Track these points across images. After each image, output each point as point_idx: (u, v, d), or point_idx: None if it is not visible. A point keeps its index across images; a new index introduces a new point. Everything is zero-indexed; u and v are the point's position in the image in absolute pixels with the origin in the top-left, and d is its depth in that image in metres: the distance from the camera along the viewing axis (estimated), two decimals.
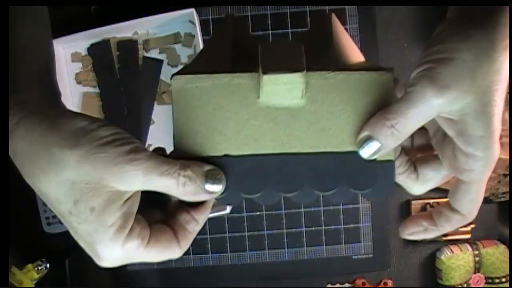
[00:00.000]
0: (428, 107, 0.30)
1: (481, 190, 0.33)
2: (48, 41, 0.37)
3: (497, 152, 0.33)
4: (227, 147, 0.33)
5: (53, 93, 0.36)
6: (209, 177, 0.32)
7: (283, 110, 0.33)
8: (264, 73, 0.31)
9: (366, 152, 0.32)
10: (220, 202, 0.34)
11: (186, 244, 0.34)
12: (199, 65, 0.37)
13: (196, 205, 0.34)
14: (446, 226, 0.35)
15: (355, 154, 0.33)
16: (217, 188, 0.32)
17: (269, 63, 0.32)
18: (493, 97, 0.30)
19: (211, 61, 0.36)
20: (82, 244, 0.32)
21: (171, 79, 0.33)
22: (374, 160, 0.33)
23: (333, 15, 0.39)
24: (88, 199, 0.29)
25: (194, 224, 0.34)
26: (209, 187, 0.32)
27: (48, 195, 0.30)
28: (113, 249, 0.30)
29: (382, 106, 0.32)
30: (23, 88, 0.32)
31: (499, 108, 0.30)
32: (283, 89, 0.32)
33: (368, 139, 0.32)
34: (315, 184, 0.33)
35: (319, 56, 0.35)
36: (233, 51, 0.35)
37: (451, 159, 0.33)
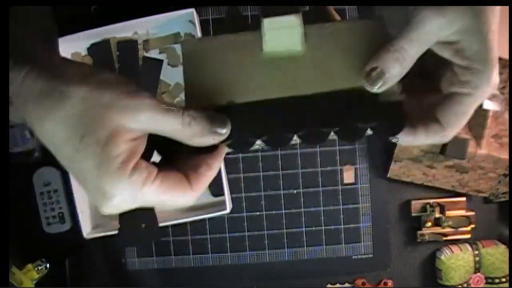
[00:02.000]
0: (428, 29, 0.32)
1: (472, 106, 0.35)
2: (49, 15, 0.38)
3: (495, 72, 0.35)
4: (234, 97, 0.34)
5: (56, 50, 0.37)
6: (214, 119, 0.32)
7: (285, 59, 0.35)
8: (265, 17, 0.34)
9: (373, 82, 0.33)
10: (230, 148, 0.34)
11: (198, 186, 0.33)
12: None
13: (209, 150, 0.33)
14: (422, 134, 0.36)
15: (360, 91, 0.33)
16: (223, 130, 0.32)
17: (269, 11, 0.34)
18: (487, 17, 0.32)
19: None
20: (88, 186, 0.31)
21: (181, 45, 0.35)
22: (380, 96, 0.34)
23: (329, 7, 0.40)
24: (95, 131, 0.29)
25: (206, 168, 0.33)
26: (215, 127, 0.32)
27: (55, 137, 0.30)
28: (120, 181, 0.30)
29: (378, 48, 0.33)
30: (29, 45, 0.32)
31: (495, 26, 0.33)
32: (283, 34, 0.34)
33: (374, 69, 0.33)
34: (322, 121, 0.33)
35: (316, 20, 0.37)
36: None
37: (450, 77, 0.34)
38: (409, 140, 0.36)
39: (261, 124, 0.34)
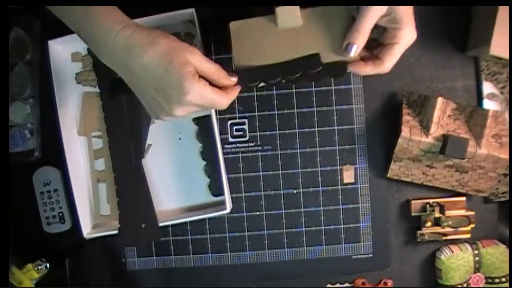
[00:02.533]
0: (374, 11, 0.54)
1: (400, 50, 0.57)
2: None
3: (411, 29, 0.56)
4: (258, 59, 0.59)
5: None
6: (230, 75, 0.55)
7: (290, 30, 0.58)
8: (279, 26, 0.58)
9: (350, 53, 0.56)
10: (241, 85, 0.57)
11: (229, 95, 0.55)
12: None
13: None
14: (369, 65, 0.58)
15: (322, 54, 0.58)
16: (234, 78, 0.55)
17: (282, 16, 0.58)
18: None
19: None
20: (171, 93, 0.51)
21: (229, 24, 0.59)
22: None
23: None
24: (177, 58, 0.50)
25: (231, 90, 0.56)
26: (231, 78, 0.55)
27: (149, 65, 0.50)
28: (193, 83, 0.50)
29: (348, 22, 0.57)
30: (116, 11, 0.53)
31: (411, 6, 0.55)
32: (288, 14, 0.58)
33: (349, 45, 0.56)
34: (288, 72, 0.58)
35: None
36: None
37: (386, 35, 0.57)
38: (361, 70, 0.58)
39: (254, 77, 0.58)
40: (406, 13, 0.55)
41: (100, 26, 0.51)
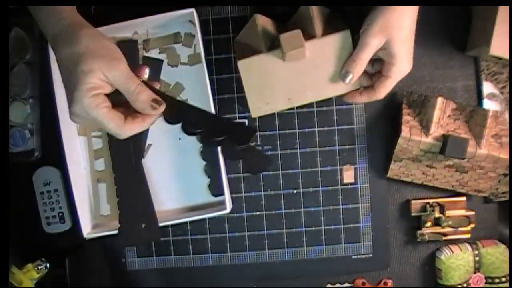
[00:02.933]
0: (370, 45, 0.58)
1: (392, 85, 0.61)
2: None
3: (403, 65, 0.59)
4: (270, 92, 0.65)
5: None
6: (155, 101, 0.53)
7: (298, 62, 0.62)
8: (285, 52, 0.60)
9: (345, 81, 0.61)
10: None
11: (134, 125, 0.53)
12: (245, 51, 0.63)
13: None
14: (363, 95, 0.63)
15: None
16: (160, 109, 0.53)
17: (287, 44, 0.59)
18: (396, 36, 0.57)
19: (251, 47, 0.63)
20: (67, 93, 0.51)
21: (238, 62, 0.62)
22: None
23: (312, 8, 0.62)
24: (83, 64, 0.49)
25: (143, 118, 0.54)
26: (154, 105, 0.53)
27: (62, 62, 0.51)
28: (84, 96, 0.49)
29: (347, 56, 0.61)
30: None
31: (404, 38, 0.58)
32: (294, 52, 0.60)
33: (346, 73, 0.61)
34: (214, 130, 0.60)
35: (307, 33, 0.62)
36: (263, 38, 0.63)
37: (383, 66, 0.61)
38: (356, 99, 0.64)
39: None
40: (401, 49, 0.58)
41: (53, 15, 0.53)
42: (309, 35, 0.62)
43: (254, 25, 0.63)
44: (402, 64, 0.59)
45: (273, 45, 0.62)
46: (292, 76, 0.63)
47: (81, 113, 0.50)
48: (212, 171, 0.73)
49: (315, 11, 0.62)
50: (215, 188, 0.73)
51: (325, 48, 0.61)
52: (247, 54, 0.62)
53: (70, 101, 0.50)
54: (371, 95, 0.62)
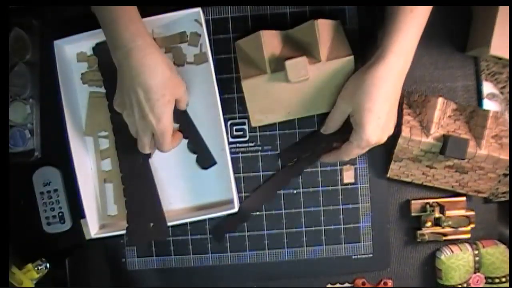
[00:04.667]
0: (339, 108, 0.64)
1: (355, 150, 0.63)
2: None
3: (366, 134, 0.60)
4: (272, 112, 0.70)
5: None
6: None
7: (300, 83, 0.65)
8: (290, 80, 0.64)
9: (322, 131, 0.69)
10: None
11: (172, 143, 0.65)
12: (249, 69, 0.67)
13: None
14: (332, 154, 0.69)
15: None
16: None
17: (291, 72, 0.64)
18: (362, 106, 0.60)
19: (254, 62, 0.67)
20: (142, 111, 0.61)
21: (242, 82, 0.66)
22: None
23: (318, 22, 0.63)
24: (169, 94, 0.61)
25: (175, 138, 0.68)
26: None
27: (150, 89, 0.59)
28: (168, 113, 0.61)
29: (344, 78, 0.65)
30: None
31: (370, 108, 0.60)
32: (297, 67, 0.63)
33: (322, 125, 0.69)
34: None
35: (311, 56, 0.65)
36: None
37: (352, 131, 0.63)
38: (325, 158, 0.71)
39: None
40: (366, 119, 0.59)
41: (122, 33, 0.59)
42: (313, 57, 0.64)
43: (259, 41, 0.65)
44: (364, 134, 0.60)
45: (277, 66, 0.64)
46: (293, 95, 0.66)
47: (161, 127, 0.61)
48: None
49: (321, 34, 0.63)
50: (203, 161, 0.73)
51: (328, 72, 0.64)
52: (251, 73, 0.66)
53: (153, 119, 0.61)
54: (338, 155, 0.67)
